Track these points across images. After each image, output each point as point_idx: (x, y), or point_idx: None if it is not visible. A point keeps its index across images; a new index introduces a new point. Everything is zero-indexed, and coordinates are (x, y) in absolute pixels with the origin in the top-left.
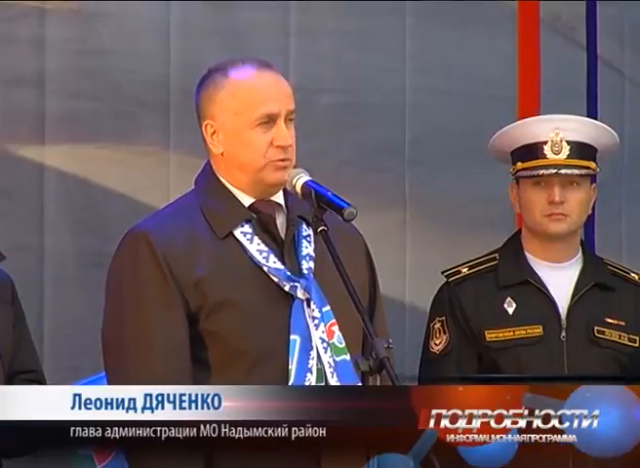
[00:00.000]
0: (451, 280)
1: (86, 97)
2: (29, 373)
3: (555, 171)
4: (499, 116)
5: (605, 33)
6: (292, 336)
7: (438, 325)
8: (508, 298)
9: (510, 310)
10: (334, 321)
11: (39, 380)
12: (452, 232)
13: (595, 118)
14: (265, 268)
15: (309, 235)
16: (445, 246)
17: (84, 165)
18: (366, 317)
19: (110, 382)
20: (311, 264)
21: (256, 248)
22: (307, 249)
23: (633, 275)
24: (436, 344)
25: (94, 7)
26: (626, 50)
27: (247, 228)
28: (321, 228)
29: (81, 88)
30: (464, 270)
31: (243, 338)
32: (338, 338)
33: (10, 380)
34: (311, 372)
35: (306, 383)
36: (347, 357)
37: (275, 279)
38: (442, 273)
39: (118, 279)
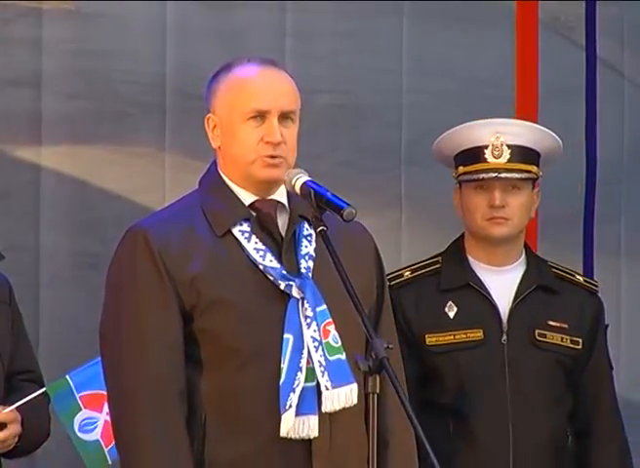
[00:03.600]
0: (392, 283)
1: (82, 98)
2: (27, 374)
3: (495, 175)
4: (496, 117)
5: (605, 33)
6: (285, 335)
7: None
8: (450, 302)
9: (451, 314)
10: (330, 320)
11: (37, 381)
12: (447, 233)
13: (594, 118)
14: (261, 267)
15: (311, 234)
16: (441, 246)
17: (81, 166)
18: (365, 317)
19: (106, 378)
20: (310, 263)
21: (253, 246)
22: (307, 248)
23: (578, 277)
24: None
25: (90, 7)
26: (626, 50)
27: (245, 227)
28: (320, 228)
29: (77, 88)
30: (407, 274)
31: (236, 336)
32: (333, 338)
33: (8, 381)
34: (301, 371)
35: (296, 382)
36: (343, 356)
37: (271, 277)
38: None
39: (116, 275)
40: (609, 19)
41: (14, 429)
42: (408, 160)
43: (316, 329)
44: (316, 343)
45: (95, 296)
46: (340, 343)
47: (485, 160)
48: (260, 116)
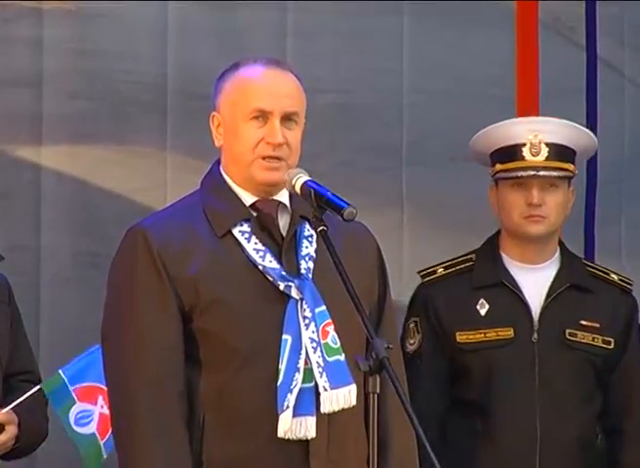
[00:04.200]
0: (426, 280)
1: (83, 98)
2: (26, 374)
3: (534, 173)
4: (497, 117)
5: (605, 33)
6: (284, 336)
7: (412, 325)
8: (481, 300)
9: (483, 312)
10: (329, 321)
11: (35, 382)
12: (449, 232)
13: (595, 118)
14: (261, 267)
15: (312, 235)
16: (442, 246)
17: (81, 165)
18: (365, 317)
19: (107, 377)
20: (310, 264)
21: (253, 246)
22: (308, 249)
23: (613, 276)
24: (410, 344)
25: (91, 7)
26: (626, 50)
27: (245, 227)
28: (320, 228)
29: (78, 88)
30: (440, 270)
31: (235, 337)
32: (332, 339)
33: (7, 382)
34: (299, 372)
35: (294, 383)
36: (341, 357)
37: (270, 278)
38: (418, 273)
39: (116, 275)
40: (609, 19)
41: (11, 431)
42: (409, 160)
43: (315, 330)
44: (314, 344)
45: (96, 296)
46: (338, 344)
47: (523, 158)
48: (263, 116)
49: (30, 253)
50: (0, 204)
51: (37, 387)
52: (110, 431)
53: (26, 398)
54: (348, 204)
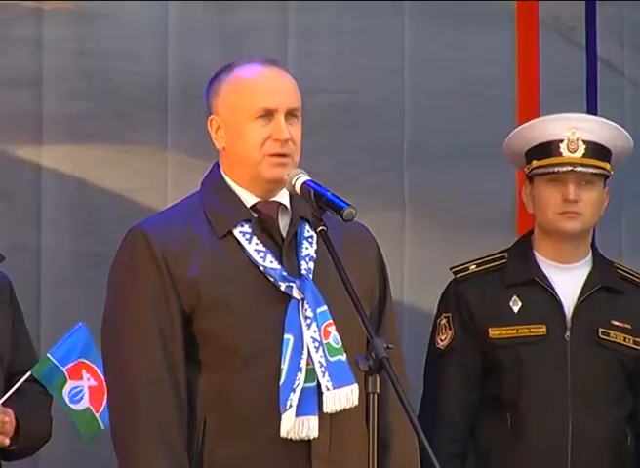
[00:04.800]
0: (458, 276)
1: (84, 98)
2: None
3: (571, 168)
4: (498, 117)
5: (605, 33)
6: (286, 336)
7: (444, 321)
8: (514, 297)
9: (515, 309)
10: (330, 321)
11: (36, 381)
12: (451, 232)
13: None
14: (262, 268)
15: (312, 236)
16: (444, 246)
17: (81, 166)
18: (365, 317)
19: (106, 376)
20: (311, 265)
21: (254, 247)
22: (308, 249)
23: None
24: (442, 340)
25: (92, 7)
26: (626, 50)
27: (246, 228)
28: (320, 228)
29: (79, 88)
30: (472, 267)
31: (236, 337)
32: (334, 339)
33: (9, 381)
34: (301, 372)
35: (296, 382)
36: (343, 357)
37: (271, 279)
38: (450, 269)
39: (117, 276)
40: (609, 19)
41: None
42: (410, 159)
43: (316, 329)
44: (316, 344)
45: (96, 296)
46: (340, 344)
47: (560, 154)
48: (268, 115)
49: (30, 253)
50: (0, 204)
51: (27, 374)
52: (105, 402)
53: (17, 388)
54: (348, 204)
